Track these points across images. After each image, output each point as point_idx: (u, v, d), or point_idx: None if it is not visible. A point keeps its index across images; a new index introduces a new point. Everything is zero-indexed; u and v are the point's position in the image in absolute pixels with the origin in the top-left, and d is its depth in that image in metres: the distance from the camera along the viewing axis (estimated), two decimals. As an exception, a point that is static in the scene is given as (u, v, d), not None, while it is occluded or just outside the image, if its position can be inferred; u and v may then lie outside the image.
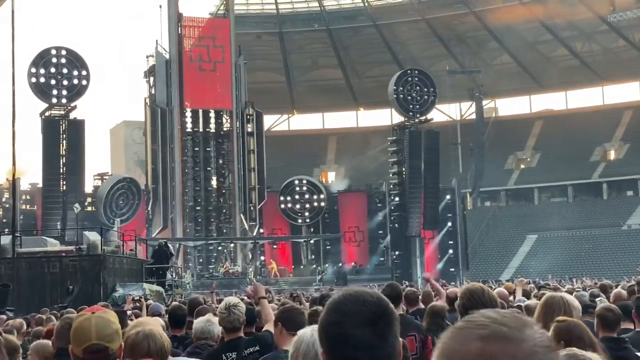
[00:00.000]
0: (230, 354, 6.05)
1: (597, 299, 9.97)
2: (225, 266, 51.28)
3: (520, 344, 1.23)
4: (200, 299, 11.89)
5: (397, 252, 56.73)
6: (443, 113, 72.12)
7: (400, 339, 2.32)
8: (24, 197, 51.09)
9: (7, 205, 47.93)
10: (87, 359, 3.50)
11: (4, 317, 12.95)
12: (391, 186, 57.89)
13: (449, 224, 58.48)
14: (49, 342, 6.24)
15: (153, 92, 54.59)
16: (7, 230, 34.10)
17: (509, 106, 77.24)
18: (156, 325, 4.81)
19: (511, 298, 10.66)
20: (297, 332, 5.36)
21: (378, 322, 2.18)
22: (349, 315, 2.17)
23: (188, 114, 54.89)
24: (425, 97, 57.37)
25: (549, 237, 62.30)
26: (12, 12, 26.27)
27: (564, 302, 5.60)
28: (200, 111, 55.44)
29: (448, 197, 58.68)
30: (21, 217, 46.43)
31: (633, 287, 10.86)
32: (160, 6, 54.24)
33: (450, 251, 58.37)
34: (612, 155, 70.63)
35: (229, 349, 6.11)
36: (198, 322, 6.70)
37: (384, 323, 2.19)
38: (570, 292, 11.79)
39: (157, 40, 54.39)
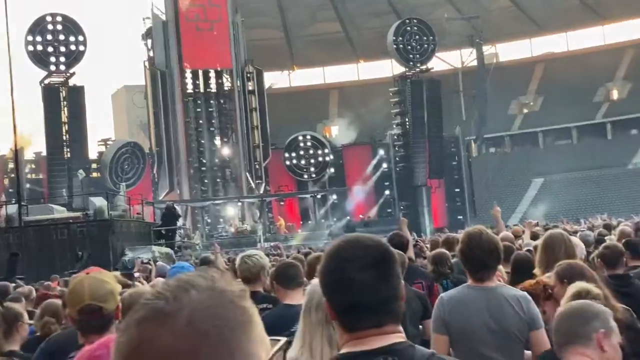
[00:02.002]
0: None
1: (605, 238, 10.01)
2: (234, 225, 51.46)
3: (176, 315, 1.08)
4: (211, 257, 11.96)
5: (404, 203, 56.83)
6: (444, 61, 71.67)
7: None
8: (29, 166, 51.22)
9: (13, 175, 48.08)
10: (82, 320, 3.50)
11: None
12: (395, 137, 57.81)
13: (455, 172, 58.50)
14: (59, 302, 6.32)
15: (152, 54, 54.33)
16: (13, 199, 34.28)
17: (510, 51, 76.66)
18: None
19: (520, 241, 10.71)
20: (291, 285, 5.37)
21: (379, 265, 2.18)
22: (350, 260, 2.17)
23: (188, 74, 54.62)
24: (425, 46, 57.00)
25: (555, 180, 62.29)
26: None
27: (564, 238, 5.62)
28: (200, 71, 55.13)
29: (452, 145, 58.61)
30: (28, 186, 46.56)
31: (638, 223, 10.85)
32: (154, -33, 53.76)
33: (457, 199, 58.49)
34: (615, 94, 70.25)
35: None
36: None
37: (384, 266, 2.20)
38: (575, 232, 11.83)
39: (152, 2, 54.04)
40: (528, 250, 8.12)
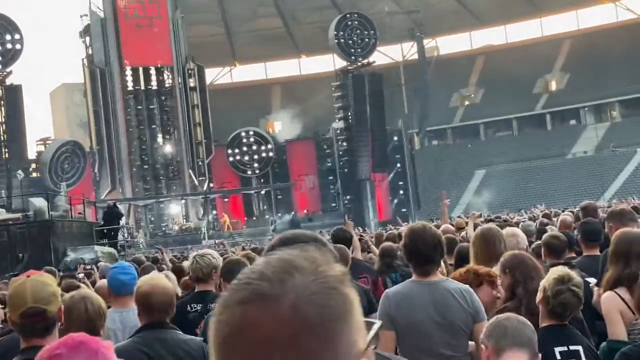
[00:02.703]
0: (196, 306, 5.97)
1: (546, 227, 10.11)
2: (177, 223, 51.10)
3: (280, 299, 1.05)
4: (143, 258, 11.82)
5: (348, 197, 57.01)
6: (385, 55, 72.04)
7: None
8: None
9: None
10: (25, 323, 3.42)
11: None
12: (338, 132, 57.95)
13: (398, 165, 58.88)
14: None
15: (90, 52, 53.53)
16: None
17: (451, 44, 77.43)
18: (162, 279, 4.76)
19: (463, 234, 10.75)
20: None
21: None
22: None
23: (128, 72, 54.00)
24: (366, 40, 57.27)
25: (497, 171, 63.11)
26: None
27: (498, 232, 5.69)
28: (141, 69, 54.56)
29: (395, 138, 58.96)
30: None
31: (578, 212, 11.02)
32: (91, -37, 52.97)
33: (401, 192, 58.88)
34: (553, 86, 71.43)
35: (195, 300, 6.05)
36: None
37: None
38: (517, 223, 11.96)
39: (89, -1, 53.25)
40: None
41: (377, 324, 1.17)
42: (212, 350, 1.10)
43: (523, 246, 6.10)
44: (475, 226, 11.46)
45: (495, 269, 4.89)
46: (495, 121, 70.02)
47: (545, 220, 11.79)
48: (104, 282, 7.45)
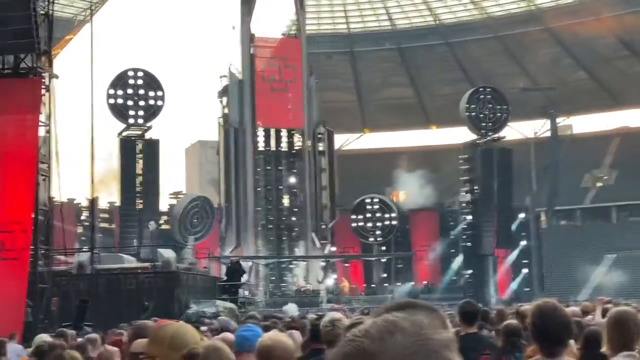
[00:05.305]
0: None
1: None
2: (297, 284, 51.46)
3: (378, 356, 1.11)
4: (279, 315, 12.04)
5: (469, 271, 56.07)
6: (516, 131, 71.15)
7: None
8: (102, 215, 52.26)
9: (87, 224, 49.11)
10: None
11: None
12: (463, 205, 57.35)
13: (523, 242, 57.64)
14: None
15: (226, 112, 55.27)
16: (86, 247, 34.98)
17: (585, 123, 75.73)
18: (285, 337, 4.95)
19: (589, 317, 10.44)
20: None
21: None
22: None
23: (260, 133, 55.40)
24: (498, 114, 56.86)
25: (628, 257, 60.67)
26: (91, 36, 27.10)
27: (633, 315, 5.47)
28: (272, 130, 55.90)
29: (522, 215, 57.87)
30: (100, 235, 47.45)
31: None
32: (234, 27, 55.13)
33: (525, 270, 57.50)
34: (693, 172, 68.58)
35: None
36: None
37: None
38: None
39: (230, 61, 55.18)
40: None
41: None
42: None
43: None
44: (604, 311, 11.10)
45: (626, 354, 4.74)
46: (629, 205, 67.57)
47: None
48: (227, 335, 7.66)
